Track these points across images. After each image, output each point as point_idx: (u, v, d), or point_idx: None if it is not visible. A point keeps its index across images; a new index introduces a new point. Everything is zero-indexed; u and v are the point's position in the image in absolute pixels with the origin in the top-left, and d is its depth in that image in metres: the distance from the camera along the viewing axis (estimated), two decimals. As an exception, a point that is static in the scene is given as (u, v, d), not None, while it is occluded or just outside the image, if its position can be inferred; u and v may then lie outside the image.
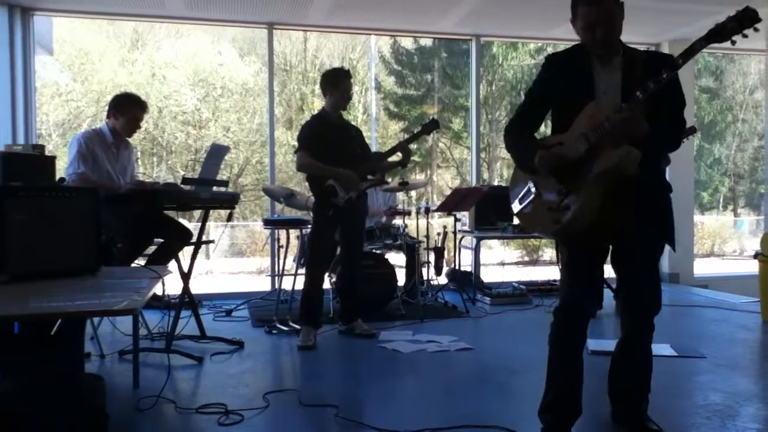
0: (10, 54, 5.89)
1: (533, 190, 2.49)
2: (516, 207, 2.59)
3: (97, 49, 18.28)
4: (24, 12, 6.01)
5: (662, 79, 2.22)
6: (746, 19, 2.14)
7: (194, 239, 4.40)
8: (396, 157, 4.55)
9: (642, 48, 2.55)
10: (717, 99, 21.62)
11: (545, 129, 2.73)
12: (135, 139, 4.69)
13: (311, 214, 4.54)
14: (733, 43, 2.18)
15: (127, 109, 4.40)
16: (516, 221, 6.01)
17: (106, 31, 18.58)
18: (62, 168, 4.54)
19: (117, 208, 3.99)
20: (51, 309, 1.94)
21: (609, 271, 2.64)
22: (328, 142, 4.34)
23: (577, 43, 2.54)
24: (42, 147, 4.24)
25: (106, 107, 4.53)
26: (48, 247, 2.53)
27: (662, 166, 2.51)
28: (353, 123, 4.80)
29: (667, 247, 2.54)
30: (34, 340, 2.72)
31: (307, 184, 4.50)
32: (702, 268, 9.56)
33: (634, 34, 6.87)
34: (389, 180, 5.50)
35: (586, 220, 2.35)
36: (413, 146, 4.61)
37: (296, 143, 4.53)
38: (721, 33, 2.18)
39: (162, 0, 5.84)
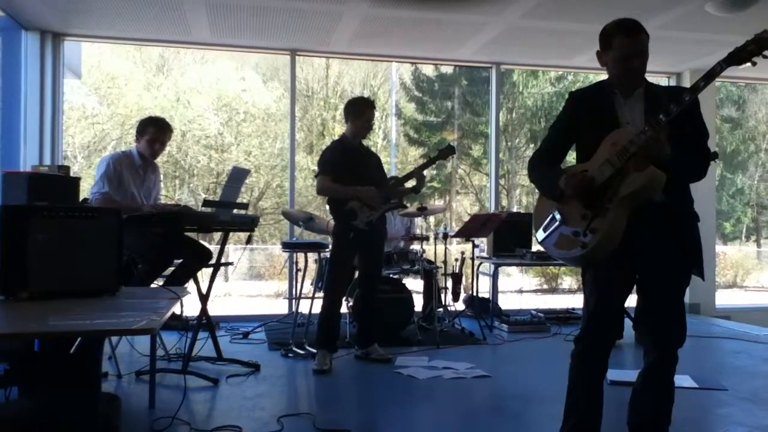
0: (41, 77, 6.04)
1: (558, 217, 2.50)
2: (541, 236, 2.60)
3: (123, 73, 18.65)
4: (55, 37, 6.17)
5: (684, 102, 2.24)
6: (765, 41, 2.19)
7: (213, 261, 4.43)
8: (411, 183, 4.58)
9: (663, 77, 2.59)
10: (739, 129, 21.43)
11: (569, 159, 2.75)
12: (158, 162, 4.75)
13: (331, 237, 4.57)
14: (754, 64, 2.23)
15: (145, 130, 4.49)
16: (540, 249, 5.98)
17: (133, 56, 18.97)
18: (86, 189, 4.62)
19: (139, 229, 4.04)
20: (70, 327, 1.97)
21: (629, 301, 2.62)
22: (348, 166, 4.39)
23: (597, 81, 2.60)
24: (67, 168, 4.32)
25: (133, 131, 4.63)
26: (69, 266, 2.56)
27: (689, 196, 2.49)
28: (373, 149, 4.85)
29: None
30: (53, 358, 2.76)
31: (327, 207, 4.54)
32: (724, 298, 9.41)
33: (656, 64, 6.88)
34: (408, 205, 5.52)
35: (613, 244, 2.37)
36: (432, 171, 4.66)
37: (317, 167, 4.58)
38: (741, 54, 2.21)
39: (188, 26, 5.97)
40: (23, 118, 5.90)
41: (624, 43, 2.38)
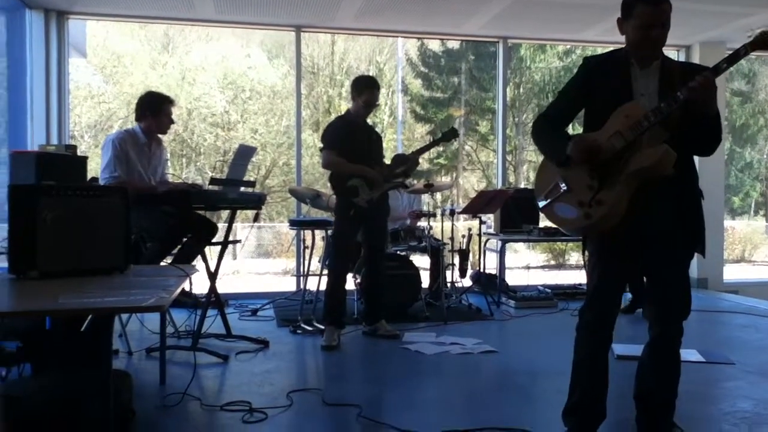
0: (46, 57, 6.03)
1: (563, 186, 2.48)
2: (543, 203, 2.57)
3: (129, 52, 18.57)
4: (59, 16, 6.14)
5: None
6: None
7: (221, 239, 4.45)
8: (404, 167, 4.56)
9: (672, 50, 2.56)
10: (749, 102, 21.19)
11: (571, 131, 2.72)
12: (164, 141, 4.74)
13: (333, 214, 4.58)
14: None
15: (162, 109, 4.45)
16: (547, 224, 5.98)
17: (138, 35, 18.87)
18: (93, 168, 4.62)
19: (148, 208, 4.05)
20: (81, 305, 1.99)
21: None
22: (351, 142, 4.39)
23: (614, 49, 2.56)
24: (74, 147, 4.32)
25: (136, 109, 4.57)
26: (78, 244, 2.58)
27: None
28: (379, 126, 4.84)
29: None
30: (64, 336, 2.79)
31: (329, 183, 4.54)
32: (732, 273, 9.40)
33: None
34: (414, 182, 5.51)
35: (618, 216, 2.36)
36: (439, 148, 4.66)
37: (321, 143, 4.58)
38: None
39: (192, 4, 5.93)
40: (29, 98, 5.90)
41: (646, 12, 2.34)
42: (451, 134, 4.61)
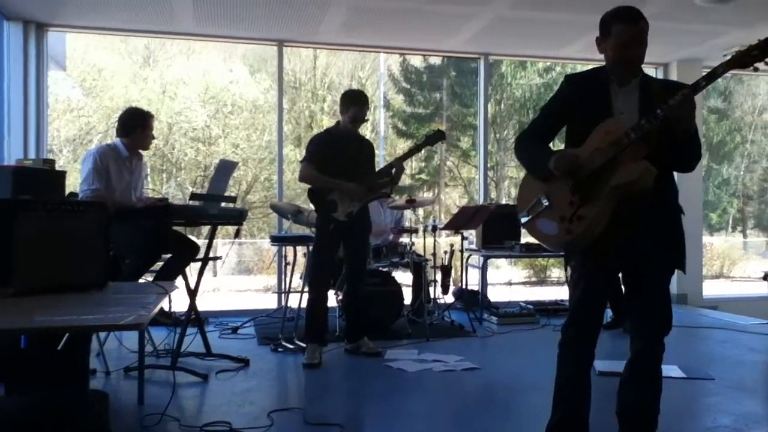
0: (24, 69, 5.96)
1: (545, 201, 2.49)
2: (525, 219, 2.58)
3: (109, 65, 18.47)
4: (38, 28, 6.08)
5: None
6: None
7: (201, 255, 4.40)
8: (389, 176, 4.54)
9: (651, 68, 2.59)
10: (725, 120, 21.59)
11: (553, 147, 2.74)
12: (145, 155, 4.70)
13: (313, 229, 4.56)
14: (756, 70, 2.24)
15: (147, 123, 4.43)
16: (529, 240, 6.00)
17: (119, 48, 18.79)
18: (72, 183, 4.55)
19: (127, 223, 4.00)
20: (57, 323, 1.95)
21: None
22: (335, 155, 4.37)
23: (595, 67, 2.59)
24: (52, 162, 4.26)
25: (117, 125, 4.53)
26: (56, 260, 2.53)
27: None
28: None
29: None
30: (40, 354, 2.73)
31: (308, 199, 4.52)
32: (711, 289, 9.49)
33: (643, 55, 6.89)
34: (396, 197, 5.51)
35: (598, 232, 2.37)
36: (421, 163, 4.63)
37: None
38: (744, 59, 2.23)
39: (173, 17, 5.91)
40: (6, 111, 5.83)
41: (623, 30, 2.38)
42: (436, 137, 4.50)
